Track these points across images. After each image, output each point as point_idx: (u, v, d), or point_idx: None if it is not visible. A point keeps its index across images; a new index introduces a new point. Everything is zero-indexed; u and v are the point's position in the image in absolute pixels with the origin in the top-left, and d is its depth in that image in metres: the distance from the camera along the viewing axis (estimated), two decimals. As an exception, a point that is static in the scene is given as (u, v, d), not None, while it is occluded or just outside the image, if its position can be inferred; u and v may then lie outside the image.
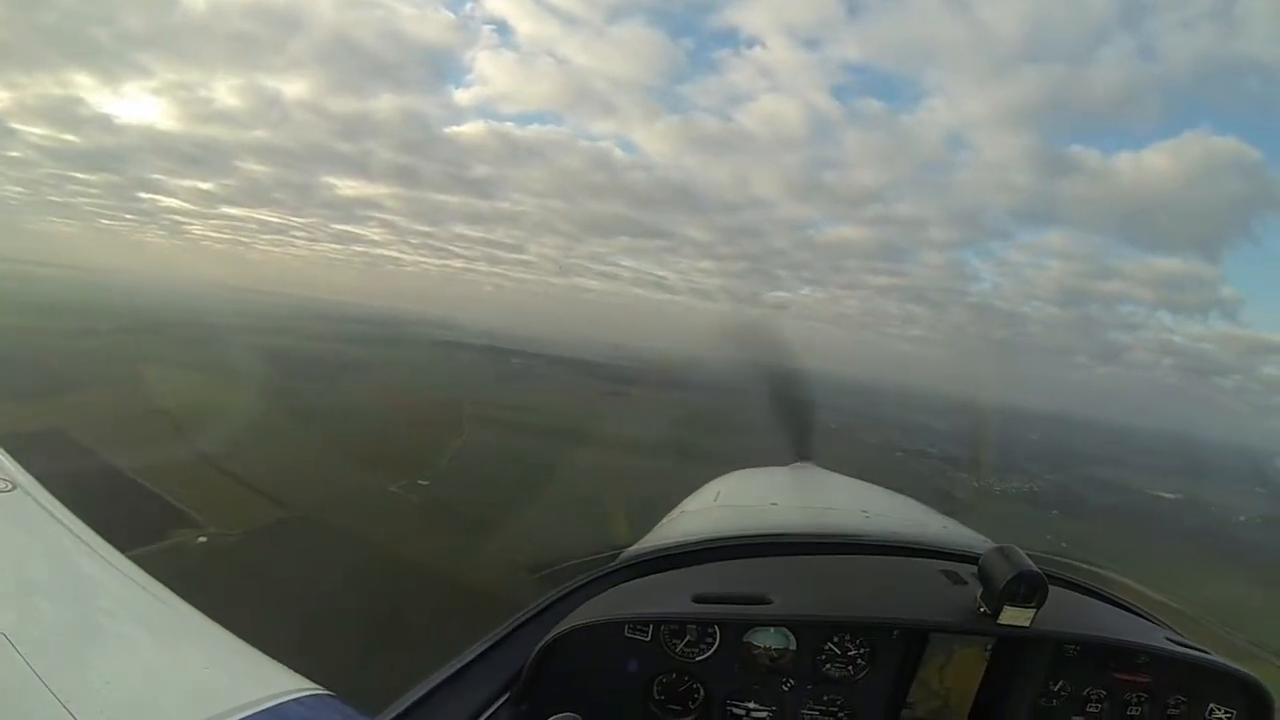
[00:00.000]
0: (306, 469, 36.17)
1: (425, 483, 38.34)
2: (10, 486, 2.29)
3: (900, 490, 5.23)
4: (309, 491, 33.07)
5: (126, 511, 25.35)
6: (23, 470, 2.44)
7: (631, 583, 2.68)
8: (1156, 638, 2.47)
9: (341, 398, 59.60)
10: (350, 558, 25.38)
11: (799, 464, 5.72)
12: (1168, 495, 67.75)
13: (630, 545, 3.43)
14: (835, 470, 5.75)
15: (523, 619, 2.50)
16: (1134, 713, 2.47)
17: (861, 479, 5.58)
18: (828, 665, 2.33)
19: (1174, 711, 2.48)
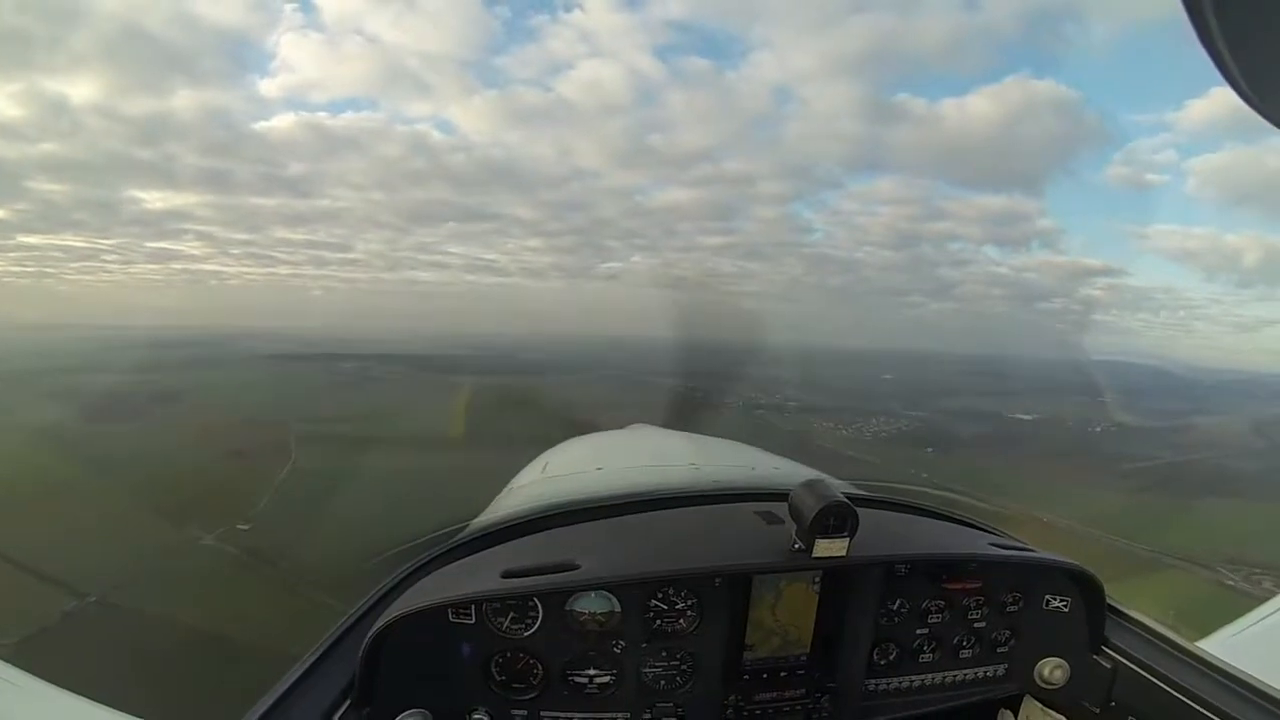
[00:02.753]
0: (101, 535, 30.41)
1: (246, 526, 33.29)
2: None
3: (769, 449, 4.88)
4: (103, 565, 27.49)
5: None
6: None
7: (447, 566, 2.51)
8: (980, 545, 2.52)
9: (149, 438, 52.56)
10: (159, 641, 21.07)
11: (634, 425, 5.99)
12: (1026, 417, 70.98)
13: (467, 523, 3.24)
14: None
15: (357, 614, 2.35)
16: (975, 615, 2.56)
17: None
18: (657, 621, 2.34)
19: (1013, 608, 2.58)
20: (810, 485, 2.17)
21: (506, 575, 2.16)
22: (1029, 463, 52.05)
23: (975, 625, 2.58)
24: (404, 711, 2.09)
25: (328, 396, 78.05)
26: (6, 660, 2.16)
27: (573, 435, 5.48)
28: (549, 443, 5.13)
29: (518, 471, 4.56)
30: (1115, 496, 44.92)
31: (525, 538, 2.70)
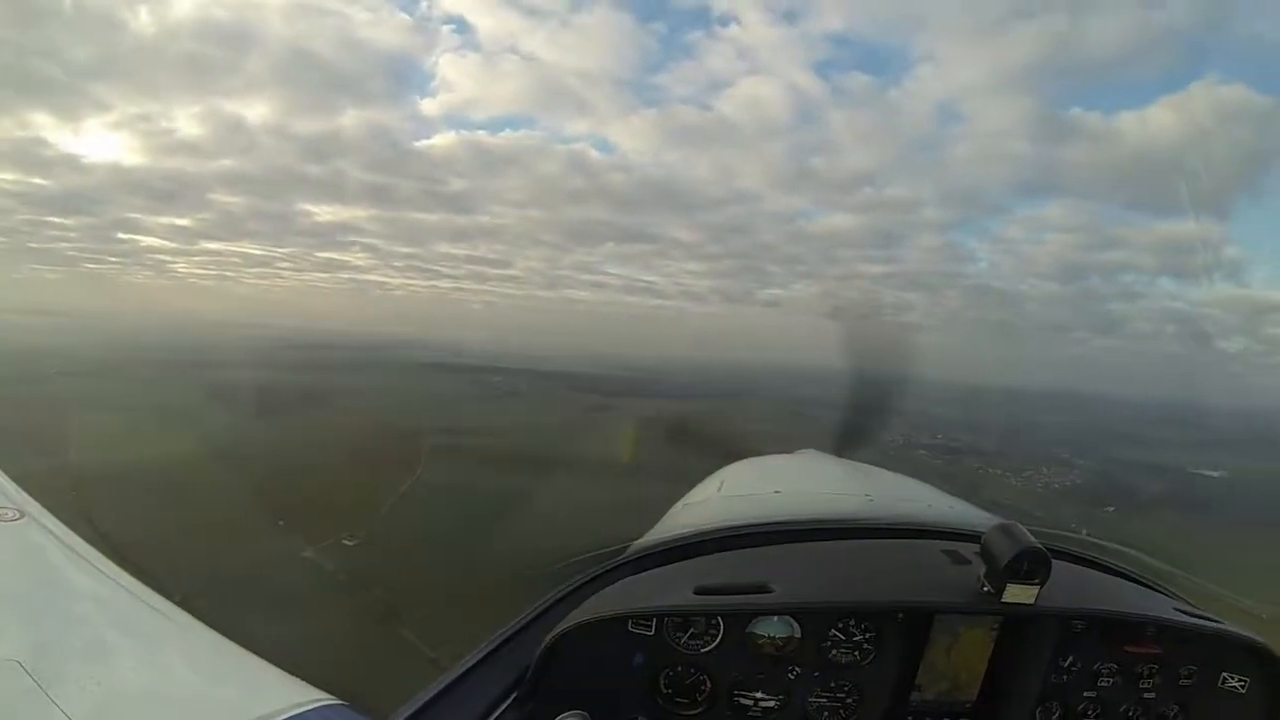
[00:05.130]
0: (206, 533, 29.47)
1: (352, 541, 31.90)
2: (18, 515, 2.43)
3: None
4: (194, 564, 25.27)
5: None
6: (30, 499, 2.60)
7: (633, 577, 2.60)
8: (1164, 608, 2.46)
9: (285, 438, 52.37)
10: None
11: (803, 451, 5.98)
12: (1212, 473, 64.24)
13: (634, 540, 3.33)
14: None
15: (527, 619, 2.47)
16: (1146, 684, 2.47)
17: None
18: (833, 651, 2.35)
19: (1186, 681, 2.47)
20: (1005, 528, 2.16)
21: (699, 592, 2.21)
22: (1219, 528, 45.54)
23: (1144, 695, 2.48)
24: (565, 712, 2.06)
25: (474, 408, 77.82)
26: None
27: (725, 464, 5.12)
28: (701, 473, 4.92)
29: (661, 502, 4.42)
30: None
31: (709, 556, 2.75)
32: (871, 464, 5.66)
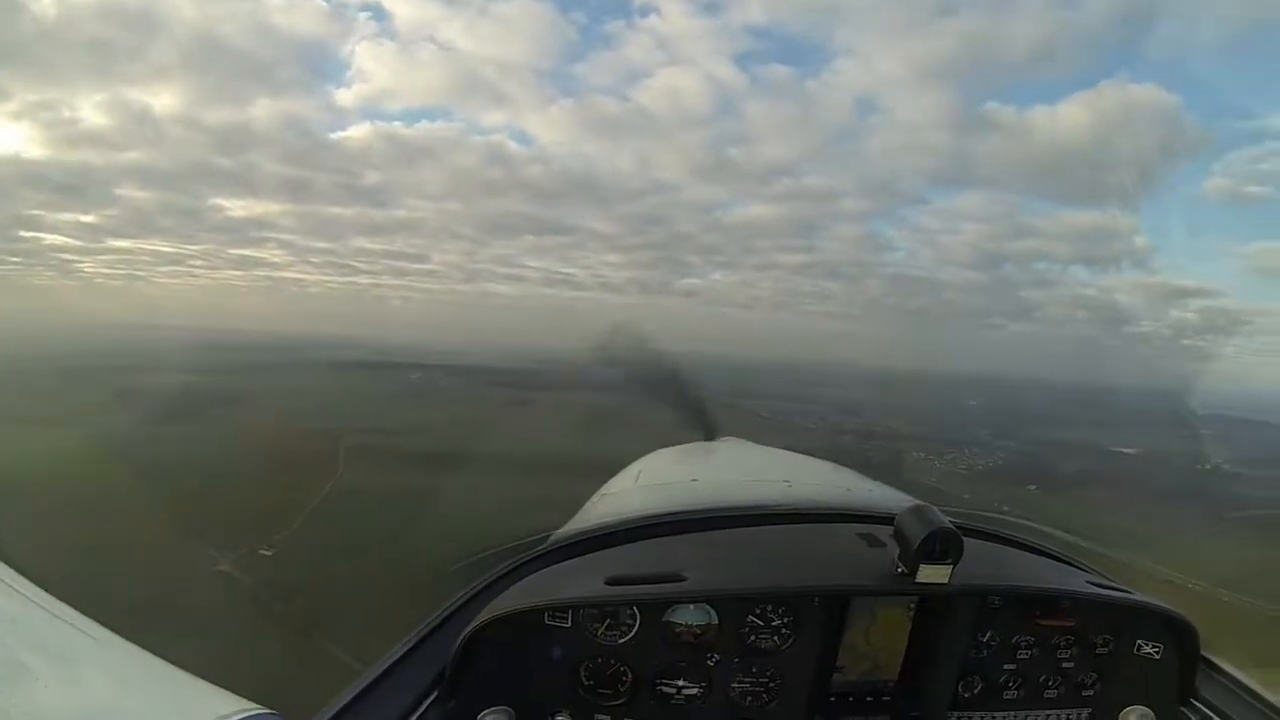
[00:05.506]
0: (109, 545, 26.87)
1: (269, 551, 30.30)
2: None
3: None
4: (97, 581, 23.79)
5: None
6: None
7: (547, 570, 2.62)
8: (1077, 582, 2.52)
9: (195, 442, 49.73)
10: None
11: (724, 439, 6.05)
12: (1128, 451, 66.12)
13: (554, 531, 3.33)
14: None
15: (445, 614, 2.45)
16: (1064, 654, 2.54)
17: None
18: (752, 637, 2.36)
19: (1103, 650, 2.55)
20: (917, 510, 2.18)
21: (611, 582, 2.22)
22: (1138, 503, 48.18)
23: (1063, 665, 2.55)
24: (488, 709, 2.11)
25: (388, 407, 75.62)
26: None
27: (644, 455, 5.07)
28: (620, 465, 4.81)
29: (583, 494, 4.35)
30: (1228, 544, 40.17)
31: (625, 545, 2.75)
32: (795, 450, 5.73)
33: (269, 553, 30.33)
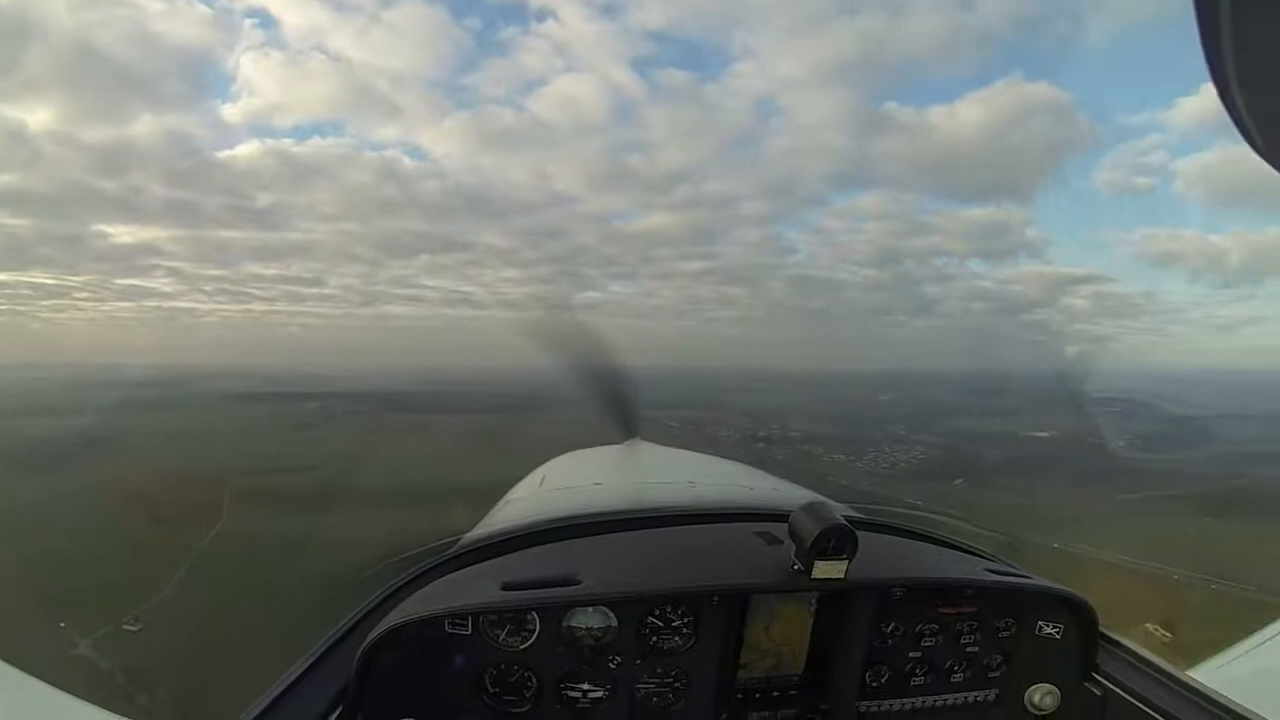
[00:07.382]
0: None
1: (134, 627, 26.45)
2: None
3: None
4: None
5: None
6: None
7: (445, 578, 2.58)
8: (977, 570, 2.58)
9: (57, 496, 44.25)
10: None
11: (631, 441, 5.94)
12: (1042, 434, 66.07)
13: (455, 539, 3.28)
14: None
15: (346, 627, 2.40)
16: (968, 640, 2.59)
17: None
18: (654, 639, 2.36)
19: (1005, 633, 2.61)
20: (811, 507, 2.21)
21: (506, 588, 2.20)
22: (1065, 487, 49.38)
23: (968, 650, 2.61)
24: None
25: (279, 442, 70.83)
26: None
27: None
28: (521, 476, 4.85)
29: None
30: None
31: (524, 551, 2.75)
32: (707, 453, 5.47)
33: (134, 628, 26.62)
